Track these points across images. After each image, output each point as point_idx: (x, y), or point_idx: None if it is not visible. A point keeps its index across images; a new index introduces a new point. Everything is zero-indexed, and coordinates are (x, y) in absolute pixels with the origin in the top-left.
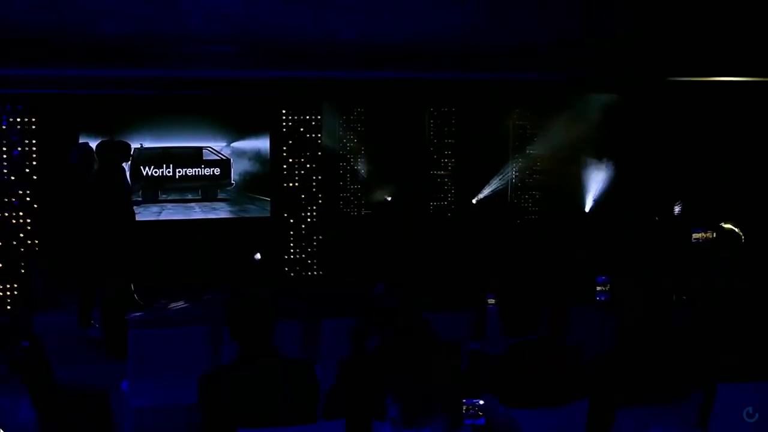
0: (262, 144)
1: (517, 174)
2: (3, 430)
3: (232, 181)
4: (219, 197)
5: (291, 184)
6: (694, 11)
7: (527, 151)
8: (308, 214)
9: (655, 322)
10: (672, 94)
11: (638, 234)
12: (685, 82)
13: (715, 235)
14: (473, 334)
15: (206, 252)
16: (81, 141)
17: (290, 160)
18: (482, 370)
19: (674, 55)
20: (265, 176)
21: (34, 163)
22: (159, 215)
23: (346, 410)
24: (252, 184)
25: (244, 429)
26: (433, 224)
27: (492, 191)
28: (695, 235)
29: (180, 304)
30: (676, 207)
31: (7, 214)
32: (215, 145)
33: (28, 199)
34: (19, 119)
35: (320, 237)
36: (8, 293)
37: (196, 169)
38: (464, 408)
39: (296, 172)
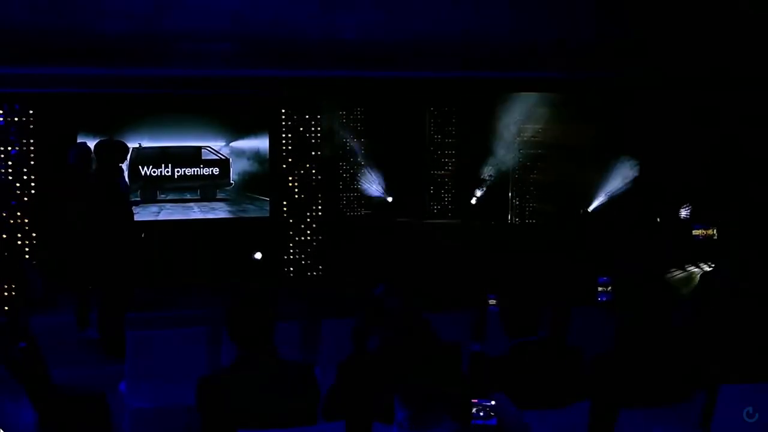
0: (262, 143)
1: (518, 173)
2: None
3: (231, 181)
4: (218, 197)
5: (290, 184)
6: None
7: (528, 151)
8: (308, 214)
9: (656, 322)
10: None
11: (640, 235)
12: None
13: (715, 232)
14: (474, 334)
15: (205, 252)
16: (79, 140)
17: (290, 160)
18: (483, 372)
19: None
20: (264, 176)
21: (32, 162)
22: (157, 215)
23: (347, 411)
24: (251, 184)
25: (244, 431)
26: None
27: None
28: (695, 232)
29: (178, 304)
30: (683, 210)
31: (5, 214)
32: (214, 145)
33: (25, 199)
34: (16, 118)
35: (320, 237)
36: (5, 294)
37: (195, 169)
38: (475, 408)
39: (296, 171)
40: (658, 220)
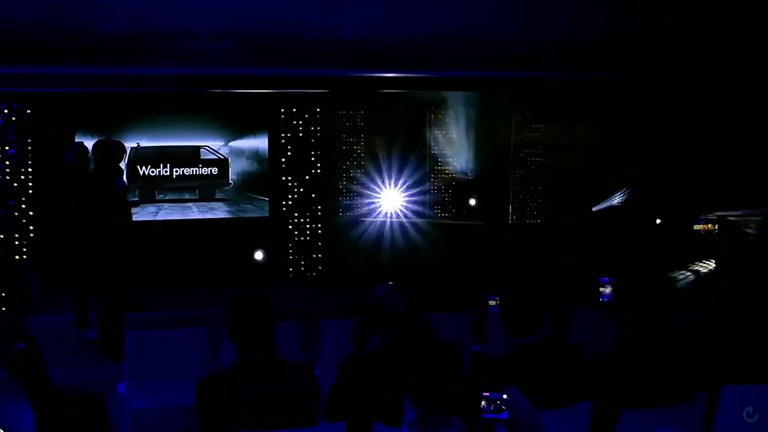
0: (261, 143)
1: (519, 173)
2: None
3: (230, 181)
4: (217, 197)
5: (290, 184)
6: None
7: (529, 151)
8: (308, 214)
9: (657, 323)
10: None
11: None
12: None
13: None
14: (474, 335)
15: (204, 252)
16: (77, 140)
17: (289, 160)
18: (484, 372)
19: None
20: (263, 176)
21: (30, 162)
22: (156, 215)
23: (346, 412)
24: (250, 184)
25: None
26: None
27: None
28: (697, 226)
29: (177, 304)
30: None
31: (2, 213)
32: (213, 144)
33: (23, 198)
34: (14, 118)
35: (320, 237)
36: (3, 294)
37: (194, 169)
38: (485, 401)
39: (295, 171)
40: (658, 221)
